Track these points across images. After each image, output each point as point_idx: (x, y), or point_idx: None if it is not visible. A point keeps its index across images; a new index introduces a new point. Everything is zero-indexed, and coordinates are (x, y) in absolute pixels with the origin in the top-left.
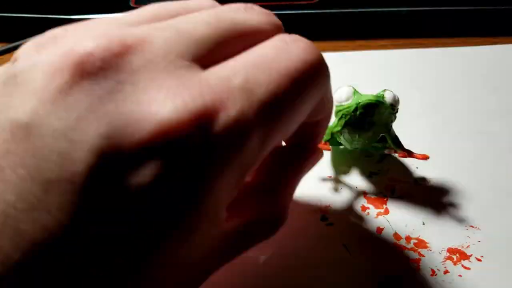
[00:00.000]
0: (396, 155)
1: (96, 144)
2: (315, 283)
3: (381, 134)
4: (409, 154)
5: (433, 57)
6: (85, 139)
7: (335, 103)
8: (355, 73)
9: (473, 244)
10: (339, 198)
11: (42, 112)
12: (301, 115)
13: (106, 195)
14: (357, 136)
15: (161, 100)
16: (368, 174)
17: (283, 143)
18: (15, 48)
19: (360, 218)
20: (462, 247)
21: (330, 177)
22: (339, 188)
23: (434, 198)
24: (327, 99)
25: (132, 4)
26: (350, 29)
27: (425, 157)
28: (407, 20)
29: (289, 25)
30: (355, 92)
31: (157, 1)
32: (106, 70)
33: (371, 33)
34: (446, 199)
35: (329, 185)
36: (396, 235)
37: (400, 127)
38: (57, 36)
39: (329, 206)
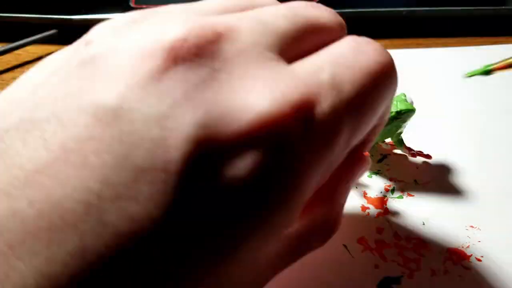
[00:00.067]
0: (399, 152)
1: (193, 132)
2: (315, 283)
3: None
4: (412, 152)
5: (433, 57)
6: (180, 127)
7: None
8: None
9: (473, 244)
10: None
11: (131, 97)
12: (377, 116)
13: (200, 186)
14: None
15: (259, 91)
16: (368, 174)
17: None
18: (15, 48)
19: (360, 218)
20: (462, 247)
21: None
22: None
23: (434, 198)
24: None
25: (132, 5)
26: (350, 29)
27: (428, 157)
28: (407, 20)
29: None
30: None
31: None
32: (201, 57)
33: (371, 33)
34: (446, 199)
35: None
36: (396, 235)
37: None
38: (136, 21)
39: None
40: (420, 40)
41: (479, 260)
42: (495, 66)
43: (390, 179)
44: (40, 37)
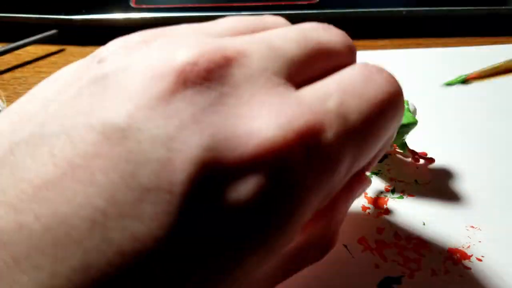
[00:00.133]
0: (401, 156)
1: (199, 155)
2: (315, 283)
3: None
4: (415, 156)
5: (433, 57)
6: (186, 149)
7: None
8: None
9: (474, 244)
10: None
11: (139, 117)
12: (380, 145)
13: (204, 208)
14: None
15: (265, 117)
16: (368, 174)
17: None
18: (15, 48)
19: (361, 218)
20: (463, 247)
21: None
22: None
23: (434, 198)
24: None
25: (132, 5)
26: (350, 29)
27: (431, 161)
28: (407, 20)
29: None
30: None
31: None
32: (210, 81)
33: (371, 33)
34: (446, 199)
35: None
36: (396, 235)
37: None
38: (147, 40)
39: None
40: (420, 40)
41: (480, 260)
42: (471, 75)
43: (391, 179)
44: (40, 37)
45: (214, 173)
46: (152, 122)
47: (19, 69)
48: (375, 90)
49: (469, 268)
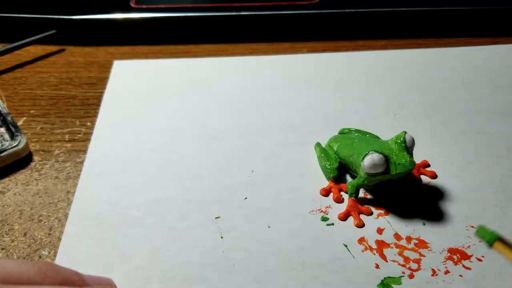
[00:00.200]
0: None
1: None
2: (315, 283)
3: None
4: (420, 172)
5: (433, 57)
6: None
7: (369, 171)
8: (355, 73)
9: (474, 244)
10: None
11: None
12: None
13: None
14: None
15: None
16: None
17: None
18: (15, 48)
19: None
20: (463, 247)
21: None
22: (342, 198)
23: (434, 198)
24: None
25: (132, 5)
26: (350, 29)
27: (433, 176)
28: (407, 20)
29: (289, 25)
30: (387, 159)
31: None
32: None
33: (371, 33)
34: (446, 199)
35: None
36: (396, 235)
37: (401, 127)
38: None
39: (329, 206)
40: (420, 40)
41: (480, 260)
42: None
43: (390, 180)
44: (40, 37)
45: None
46: None
47: (19, 69)
48: None
49: (469, 268)
